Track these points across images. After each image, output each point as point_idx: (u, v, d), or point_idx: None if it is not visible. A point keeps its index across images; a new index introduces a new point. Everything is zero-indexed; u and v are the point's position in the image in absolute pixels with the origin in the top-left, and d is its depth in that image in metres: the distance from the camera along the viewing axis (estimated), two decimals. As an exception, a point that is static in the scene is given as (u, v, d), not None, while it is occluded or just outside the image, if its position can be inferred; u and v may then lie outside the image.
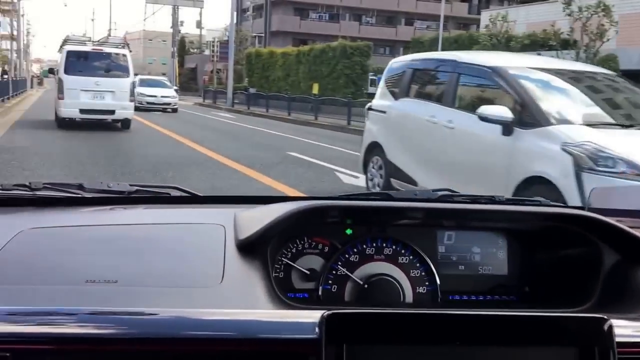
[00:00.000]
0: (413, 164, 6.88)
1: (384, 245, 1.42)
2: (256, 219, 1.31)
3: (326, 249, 1.41)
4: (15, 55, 79.78)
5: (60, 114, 15.23)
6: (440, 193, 1.65)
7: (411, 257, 1.42)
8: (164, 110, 26.53)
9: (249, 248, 1.26)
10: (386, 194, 1.70)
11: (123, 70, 15.48)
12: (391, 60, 8.39)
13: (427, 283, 1.41)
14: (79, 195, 1.62)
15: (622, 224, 1.33)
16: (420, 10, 55.98)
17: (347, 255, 1.40)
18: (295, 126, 22.20)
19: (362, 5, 55.53)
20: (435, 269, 1.41)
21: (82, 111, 15.12)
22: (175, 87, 30.97)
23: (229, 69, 34.01)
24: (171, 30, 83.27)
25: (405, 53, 49.62)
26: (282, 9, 54.31)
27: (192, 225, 1.45)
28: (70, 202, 1.61)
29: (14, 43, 68.19)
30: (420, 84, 7.47)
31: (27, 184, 1.62)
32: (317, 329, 1.02)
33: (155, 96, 26.67)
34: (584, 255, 1.37)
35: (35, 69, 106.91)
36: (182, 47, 62.61)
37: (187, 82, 57.03)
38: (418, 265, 1.41)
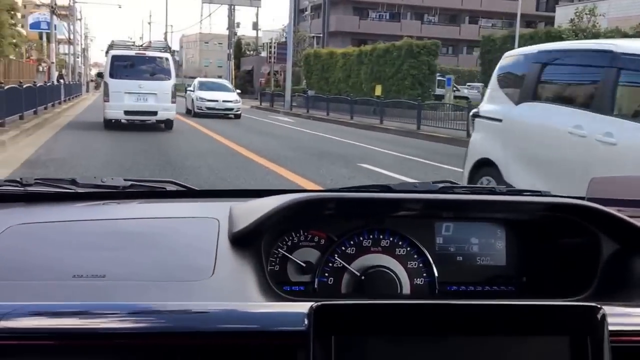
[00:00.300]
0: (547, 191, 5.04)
1: (381, 237, 1.40)
2: (251, 211, 1.29)
3: (322, 241, 1.40)
4: (73, 59, 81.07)
5: (105, 116, 15.90)
6: (440, 185, 1.66)
7: (408, 248, 1.41)
8: (225, 116, 24.07)
9: (243, 241, 1.25)
10: (386, 186, 1.65)
11: (165, 73, 16.15)
12: (505, 54, 6.51)
13: (424, 274, 1.40)
14: (72, 191, 1.62)
15: (622, 213, 1.33)
16: (486, 7, 53.46)
17: (343, 248, 1.39)
18: (360, 131, 20.52)
19: (424, 3, 53.41)
20: (433, 260, 1.40)
21: (126, 112, 15.83)
22: (238, 91, 28.35)
23: (286, 70, 32.57)
24: (227, 32, 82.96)
25: (469, 53, 46.96)
26: (341, 8, 52.66)
27: (186, 219, 1.43)
28: (63, 197, 1.60)
29: (72, 47, 68.95)
30: (555, 83, 5.62)
31: (19, 179, 1.61)
32: (306, 321, 1.01)
33: (216, 101, 24.25)
34: (583, 245, 1.37)
35: (94, 72, 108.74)
36: (238, 49, 61.70)
37: (243, 85, 56.04)
38: (416, 256, 1.41)
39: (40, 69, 48.70)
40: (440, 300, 1.25)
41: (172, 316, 1.03)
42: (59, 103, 25.42)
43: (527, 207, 1.42)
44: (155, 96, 15.86)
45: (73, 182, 1.64)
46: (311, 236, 1.40)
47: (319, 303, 1.02)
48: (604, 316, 1.03)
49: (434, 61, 27.00)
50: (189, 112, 25.26)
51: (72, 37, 51.24)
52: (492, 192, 1.60)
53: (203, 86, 25.76)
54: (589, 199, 1.48)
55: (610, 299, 1.16)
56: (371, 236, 1.40)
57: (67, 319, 1.01)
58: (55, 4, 43.65)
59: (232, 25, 47.35)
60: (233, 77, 48.92)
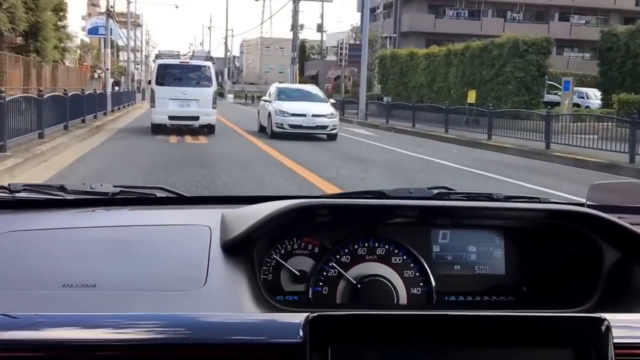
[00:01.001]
0: None
1: (376, 245, 1.38)
2: (243, 219, 1.28)
3: (316, 249, 1.37)
4: (134, 66, 79.29)
5: (152, 121, 16.81)
6: (436, 191, 1.63)
7: (404, 257, 1.39)
8: (314, 137, 17.05)
9: (235, 249, 1.23)
10: (380, 192, 1.60)
11: (207, 81, 16.98)
12: None
13: (421, 284, 1.38)
14: (61, 197, 1.61)
15: (623, 220, 1.31)
16: (578, 3, 47.91)
17: (337, 256, 1.37)
18: (466, 150, 16.15)
19: (507, -1, 48.41)
20: (430, 269, 1.38)
21: (170, 117, 16.56)
22: (332, 100, 20.14)
23: (361, 74, 28.46)
24: (289, 36, 79.75)
25: (559, 53, 41.39)
26: (415, 6, 48.11)
27: (177, 227, 1.41)
28: (52, 204, 1.59)
29: (130, 53, 66.68)
30: None
31: (7, 186, 1.59)
32: (301, 332, 0.99)
33: (303, 115, 16.72)
34: (584, 254, 1.34)
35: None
36: (302, 53, 58.02)
37: (308, 91, 52.36)
38: (412, 265, 1.38)
39: (96, 75, 46.03)
40: (438, 310, 1.20)
41: (163, 327, 1.00)
42: (104, 114, 21.99)
43: (526, 214, 1.38)
44: (197, 102, 16.67)
45: (62, 188, 1.63)
46: (305, 244, 1.37)
47: (315, 314, 0.99)
48: (608, 328, 1.00)
49: (545, 61, 22.28)
50: (263, 130, 18.29)
51: (129, 41, 48.42)
52: (489, 198, 1.58)
53: (283, 94, 18.36)
54: (589, 206, 1.47)
55: (613, 310, 1.14)
56: (366, 244, 1.38)
57: (57, 330, 0.98)
58: (113, 8, 40.92)
59: (296, 24, 43.50)
60: (297, 82, 45.10)
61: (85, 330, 0.99)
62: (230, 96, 67.32)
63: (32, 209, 1.54)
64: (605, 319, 1.00)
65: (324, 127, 17.15)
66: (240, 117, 27.46)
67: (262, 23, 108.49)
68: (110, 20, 45.17)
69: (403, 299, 1.35)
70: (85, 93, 19.35)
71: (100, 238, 1.33)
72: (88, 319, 1.00)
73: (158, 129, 16.82)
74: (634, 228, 1.28)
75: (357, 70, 38.54)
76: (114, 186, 1.66)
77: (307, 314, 0.99)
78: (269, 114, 17.42)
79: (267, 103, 18.22)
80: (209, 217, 1.38)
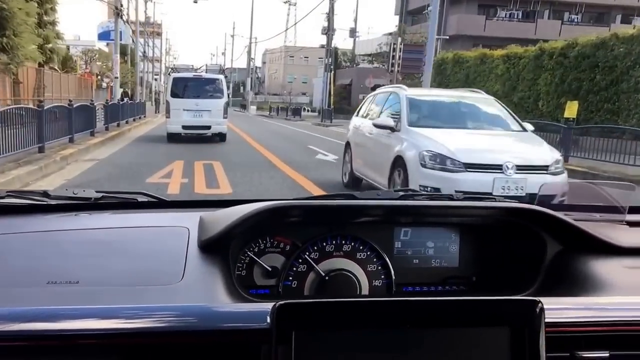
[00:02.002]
0: None
1: (343, 242, 1.47)
2: (219, 220, 1.34)
3: (287, 247, 1.44)
4: (152, 77, 74.29)
5: (167, 130, 17.97)
6: (402, 193, 1.72)
7: (369, 252, 1.47)
8: None
9: (211, 248, 1.30)
10: (350, 195, 1.66)
11: (219, 92, 18.05)
12: None
13: (382, 276, 1.48)
14: (44, 203, 1.63)
15: (569, 217, 1.43)
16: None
17: (307, 253, 1.44)
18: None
19: (566, -2, 42.48)
20: (391, 263, 1.48)
21: (184, 127, 17.62)
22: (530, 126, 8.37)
23: (424, 80, 22.69)
24: (313, 45, 74.01)
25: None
26: (465, 6, 42.37)
27: (157, 228, 1.47)
28: (34, 209, 1.61)
29: (147, 64, 61.87)
30: None
31: None
32: (268, 319, 1.07)
33: (497, 169, 6.51)
34: (530, 247, 1.46)
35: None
36: (334, 60, 52.42)
37: (339, 102, 46.54)
38: (375, 260, 1.48)
39: (104, 85, 40.71)
40: (395, 297, 1.35)
41: (142, 318, 1.07)
42: (92, 134, 16.38)
43: (480, 211, 1.49)
44: (209, 112, 17.49)
45: (45, 194, 1.67)
46: (277, 242, 1.45)
47: (281, 302, 1.07)
48: (541, 309, 1.11)
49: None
50: (358, 184, 9.33)
51: (137, 43, 43.04)
52: (449, 198, 1.63)
53: (422, 113, 8.05)
54: (539, 204, 1.54)
55: (549, 294, 1.26)
56: (334, 242, 1.46)
57: (42, 323, 1.04)
58: (121, 5, 35.58)
59: (331, 25, 37.85)
60: (331, 93, 39.45)
61: (69, 322, 1.04)
62: (252, 108, 61.82)
63: (15, 214, 1.57)
64: (539, 302, 1.12)
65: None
66: (274, 138, 21.72)
67: (286, 30, 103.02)
68: (121, 23, 40.05)
69: (365, 290, 1.44)
70: (74, 104, 14.27)
71: (83, 239, 1.37)
72: (72, 311, 1.06)
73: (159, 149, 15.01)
74: (576, 223, 1.41)
75: (419, 76, 32.68)
76: (97, 191, 1.72)
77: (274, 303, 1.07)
78: (398, 159, 7.35)
79: (386, 132, 7.97)
80: (188, 219, 1.45)
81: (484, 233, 1.53)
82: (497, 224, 1.50)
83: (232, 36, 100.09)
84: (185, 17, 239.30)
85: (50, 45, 26.29)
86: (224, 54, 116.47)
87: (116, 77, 34.34)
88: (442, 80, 26.81)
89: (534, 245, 1.45)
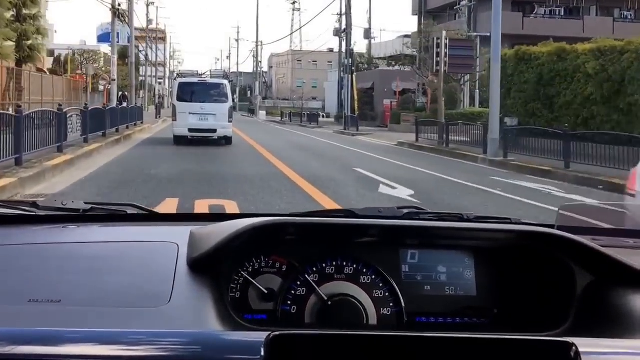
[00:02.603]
0: None
1: (345, 264, 1.37)
2: (210, 236, 1.28)
3: (284, 267, 1.36)
4: (155, 81, 70.15)
5: (174, 133, 18.57)
6: (406, 210, 1.65)
7: (373, 276, 1.37)
8: None
9: (201, 266, 1.22)
10: (350, 211, 1.62)
11: (224, 97, 18.88)
12: None
13: (391, 304, 1.36)
14: (32, 214, 1.61)
15: (596, 242, 1.31)
16: None
17: (306, 275, 1.35)
18: None
19: (618, -8, 37.87)
20: (399, 289, 1.36)
21: (190, 130, 18.15)
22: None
23: (492, 80, 18.23)
24: (322, 50, 69.66)
25: None
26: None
27: (144, 244, 1.41)
28: (22, 220, 1.60)
29: (150, 68, 57.69)
30: None
31: None
32: (262, 351, 0.98)
33: None
34: (556, 276, 1.33)
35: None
36: (352, 61, 47.88)
37: (360, 108, 42.04)
38: (381, 285, 1.36)
39: (101, 87, 36.30)
40: (406, 332, 1.18)
41: (123, 345, 1.00)
42: (59, 149, 11.87)
43: (495, 235, 1.38)
44: (214, 116, 18.26)
45: (34, 204, 1.64)
46: (273, 262, 1.36)
47: (276, 333, 0.99)
48: (577, 353, 1.00)
49: None
50: None
51: (133, 42, 38.57)
52: (459, 218, 1.57)
53: None
54: (559, 227, 1.44)
55: (586, 334, 1.14)
56: (334, 263, 1.36)
57: (19, 346, 0.98)
58: (119, 5, 31.17)
59: (349, 22, 33.27)
60: (356, 98, 34.93)
61: (47, 347, 0.99)
62: (262, 113, 57.41)
63: (2, 225, 1.54)
64: (573, 344, 1.01)
65: None
66: (300, 154, 17.65)
67: (291, 33, 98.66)
68: (120, 24, 35.80)
69: (373, 319, 1.33)
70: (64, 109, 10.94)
71: (69, 254, 1.33)
72: (50, 334, 1.01)
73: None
74: (606, 250, 1.27)
75: (458, 79, 28.08)
76: (86, 203, 1.67)
77: (269, 332, 0.99)
78: None
79: None
80: (178, 235, 1.38)
81: (502, 258, 1.39)
82: (517, 248, 1.37)
83: (237, 40, 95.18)
84: (189, 21, 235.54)
85: (29, 42, 21.80)
86: (229, 57, 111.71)
87: (113, 80, 30.10)
88: (502, 81, 22.15)
89: (560, 274, 1.31)
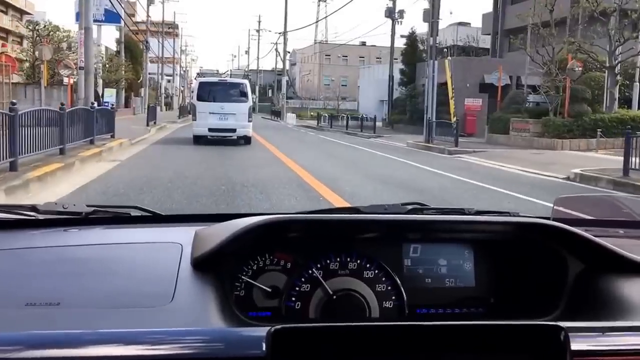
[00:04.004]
0: None
1: (348, 259, 1.38)
2: (214, 236, 1.28)
3: (289, 265, 1.36)
4: (161, 77, 59.88)
5: (194, 132, 18.40)
6: (409, 207, 1.67)
7: (376, 271, 1.38)
8: None
9: (204, 265, 1.22)
10: (355, 209, 1.63)
11: (243, 97, 18.71)
12: None
13: (393, 297, 1.38)
14: (32, 218, 1.59)
15: (590, 233, 1.34)
16: None
17: (310, 271, 1.35)
18: None
19: None
20: (401, 282, 1.38)
21: (210, 130, 18.09)
22: None
23: None
24: (350, 42, 59.16)
25: None
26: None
27: (147, 245, 1.41)
28: (22, 224, 1.57)
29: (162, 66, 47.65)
30: None
31: None
32: (264, 345, 0.99)
33: None
34: (550, 265, 1.37)
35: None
36: (412, 50, 36.74)
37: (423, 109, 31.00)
38: (384, 279, 1.38)
39: (65, 80, 25.51)
40: (406, 322, 1.21)
41: (124, 344, 0.99)
42: None
43: (493, 227, 1.41)
44: (234, 116, 18.15)
45: (33, 208, 1.61)
46: (277, 260, 1.36)
47: (277, 327, 0.99)
48: (567, 336, 1.04)
49: None
50: None
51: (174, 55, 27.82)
52: (460, 213, 1.59)
53: None
54: (555, 219, 1.48)
55: (575, 318, 1.19)
56: (338, 259, 1.37)
57: (16, 350, 0.96)
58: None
59: None
60: (450, 95, 23.85)
61: (45, 350, 0.97)
62: (291, 116, 46.29)
63: (3, 229, 1.51)
64: (563, 328, 1.04)
65: None
66: None
67: (317, 22, 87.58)
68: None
69: (375, 312, 1.34)
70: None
71: (69, 257, 1.31)
72: (49, 336, 0.99)
73: None
74: (599, 240, 1.31)
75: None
76: (88, 205, 1.65)
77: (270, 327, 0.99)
78: None
79: None
80: (182, 235, 1.38)
81: (500, 250, 1.44)
82: (514, 240, 1.41)
83: (258, 30, 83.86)
84: (204, 16, 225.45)
85: None
86: (247, 52, 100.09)
87: (82, 68, 19.40)
88: None
89: (554, 264, 1.36)
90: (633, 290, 1.24)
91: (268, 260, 1.35)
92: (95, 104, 16.57)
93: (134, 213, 1.69)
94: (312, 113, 56.14)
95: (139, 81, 45.30)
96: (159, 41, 57.87)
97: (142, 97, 43.97)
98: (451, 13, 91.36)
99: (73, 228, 1.54)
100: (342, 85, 75.04)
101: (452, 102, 23.86)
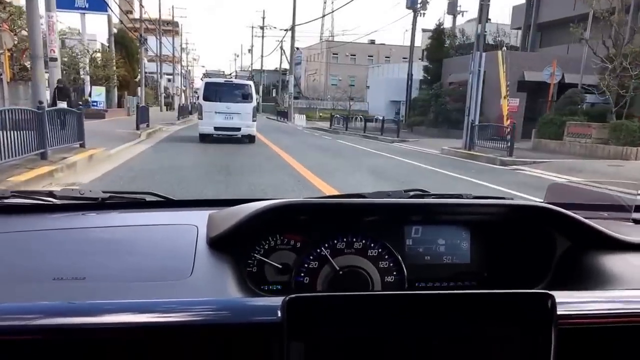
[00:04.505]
0: None
1: (354, 240, 1.45)
2: (228, 217, 1.33)
3: (298, 244, 1.43)
4: (164, 78, 56.31)
5: (200, 131, 18.86)
6: (412, 193, 1.78)
7: (380, 250, 1.46)
8: None
9: (220, 245, 1.29)
10: (360, 195, 1.68)
11: (248, 97, 18.92)
12: None
13: (395, 273, 1.46)
14: (50, 202, 1.61)
15: (577, 214, 1.42)
16: None
17: (318, 250, 1.42)
18: None
19: None
20: (403, 260, 1.46)
21: (216, 128, 18.56)
22: None
23: None
24: (360, 41, 55.86)
25: None
26: None
27: (165, 226, 1.45)
28: (40, 209, 1.58)
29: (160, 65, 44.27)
30: None
31: None
32: (279, 313, 1.05)
33: None
34: (540, 244, 1.47)
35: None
36: (439, 44, 32.99)
37: (455, 112, 27.35)
38: (387, 257, 1.46)
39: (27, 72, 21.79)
40: (406, 291, 1.28)
41: (149, 312, 1.03)
42: None
43: (489, 209, 1.49)
44: (239, 115, 18.53)
45: (50, 194, 1.64)
46: (287, 240, 1.43)
47: (292, 296, 1.05)
48: (553, 303, 1.10)
49: None
50: None
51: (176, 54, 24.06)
52: (459, 197, 1.67)
53: None
54: (547, 203, 1.53)
55: (562, 288, 1.25)
56: (345, 239, 1.44)
57: (47, 318, 1.00)
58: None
59: None
60: (504, 93, 20.20)
61: (75, 317, 1.01)
62: (301, 117, 42.60)
63: (21, 214, 1.53)
64: (551, 295, 1.11)
65: None
66: None
67: (323, 16, 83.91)
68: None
69: (378, 286, 1.42)
70: None
71: (90, 238, 1.35)
72: (77, 306, 1.03)
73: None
74: (586, 220, 1.41)
75: None
76: (103, 192, 1.69)
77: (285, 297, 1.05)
78: None
79: None
80: (197, 218, 1.44)
81: (494, 231, 1.53)
82: (508, 221, 1.49)
83: (262, 27, 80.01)
84: (205, 15, 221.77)
85: None
86: (250, 50, 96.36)
87: (53, 59, 15.93)
88: None
89: (544, 242, 1.46)
90: (612, 264, 1.35)
91: (279, 240, 1.41)
92: (64, 104, 12.94)
93: (149, 198, 1.74)
94: (320, 114, 52.52)
95: (135, 79, 41.56)
96: (156, 37, 54.25)
97: (138, 96, 40.27)
98: (465, 12, 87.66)
99: (91, 212, 1.59)
100: (351, 85, 71.36)
101: (505, 101, 20.14)
